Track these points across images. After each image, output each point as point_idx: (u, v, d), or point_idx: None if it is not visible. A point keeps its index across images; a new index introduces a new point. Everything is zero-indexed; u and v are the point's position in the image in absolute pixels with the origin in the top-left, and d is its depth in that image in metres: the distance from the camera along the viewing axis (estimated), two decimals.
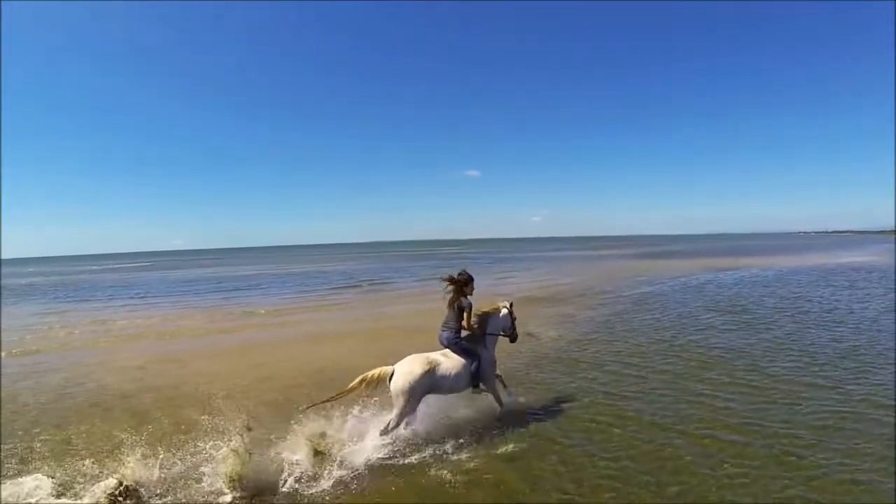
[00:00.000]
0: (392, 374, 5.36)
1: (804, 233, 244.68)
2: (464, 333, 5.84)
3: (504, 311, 6.07)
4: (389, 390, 5.34)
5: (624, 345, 9.61)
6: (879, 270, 23.82)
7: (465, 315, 5.72)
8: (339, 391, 5.43)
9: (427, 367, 5.38)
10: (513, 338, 6.18)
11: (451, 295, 5.78)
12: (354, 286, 24.79)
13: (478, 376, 5.69)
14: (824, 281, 19.56)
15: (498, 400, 6.00)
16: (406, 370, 5.34)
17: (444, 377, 5.47)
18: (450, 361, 5.61)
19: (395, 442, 5.18)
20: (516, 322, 6.21)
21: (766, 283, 19.69)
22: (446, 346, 5.80)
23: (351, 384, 5.37)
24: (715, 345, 9.32)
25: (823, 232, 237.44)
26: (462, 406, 6.00)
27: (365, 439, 5.16)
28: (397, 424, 5.28)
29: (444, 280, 5.82)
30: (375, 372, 5.39)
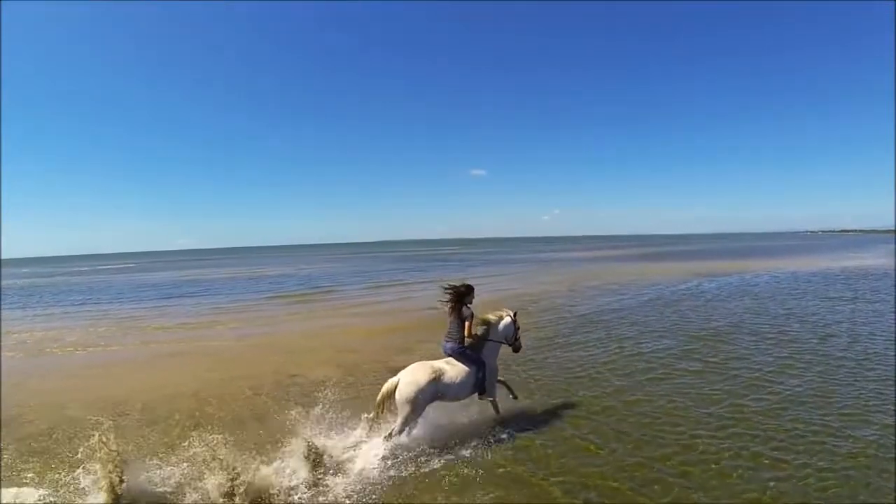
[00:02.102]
0: (397, 385, 5.39)
1: (811, 232, 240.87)
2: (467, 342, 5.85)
3: (507, 319, 6.04)
4: (395, 399, 5.39)
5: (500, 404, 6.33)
6: (887, 276, 21.58)
7: (467, 325, 5.69)
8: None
9: (432, 376, 5.41)
10: (516, 348, 6.17)
11: (450, 306, 5.79)
12: (300, 293, 23.27)
13: (483, 384, 5.74)
14: (825, 290, 17.24)
15: (495, 408, 6.02)
16: (410, 379, 5.36)
17: (448, 385, 5.50)
18: (454, 369, 5.62)
19: (395, 448, 5.16)
20: (520, 332, 6.22)
21: (756, 293, 17.25)
22: (450, 356, 5.79)
23: (375, 410, 5.52)
24: (640, 407, 6.38)
25: (831, 231, 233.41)
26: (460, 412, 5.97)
27: (365, 447, 5.21)
28: (400, 432, 5.31)
29: (446, 291, 5.83)
30: (383, 390, 5.46)
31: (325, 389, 6.05)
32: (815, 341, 9.81)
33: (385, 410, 5.50)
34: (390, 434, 5.31)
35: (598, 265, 36.55)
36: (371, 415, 5.54)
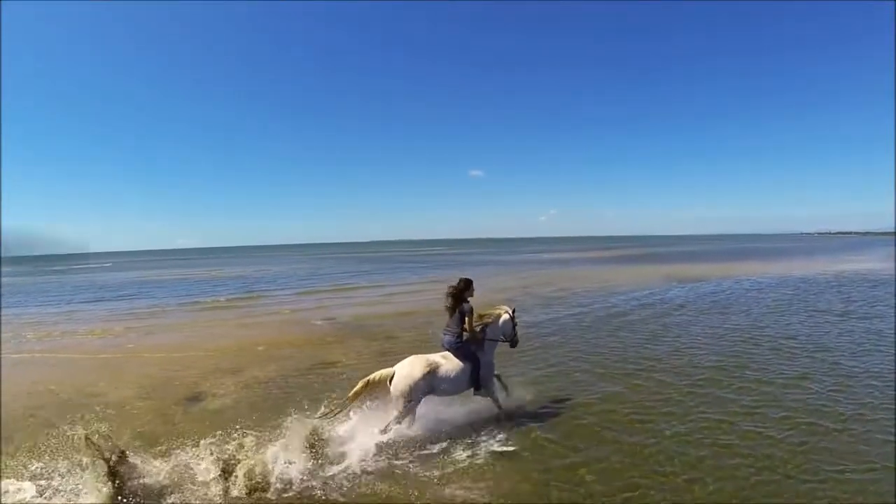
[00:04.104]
0: (392, 377, 5.37)
1: (807, 234, 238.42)
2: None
3: (505, 316, 6.01)
4: (390, 392, 5.36)
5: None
6: (883, 283, 18.82)
7: (466, 320, 5.66)
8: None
9: (427, 369, 5.39)
10: (513, 343, 6.13)
11: (449, 303, 5.74)
12: (227, 298, 21.16)
13: (478, 380, 5.68)
14: (813, 301, 14.49)
15: (496, 403, 5.93)
16: (406, 372, 5.35)
17: (443, 379, 5.48)
18: (449, 363, 5.59)
19: (389, 442, 5.07)
20: (517, 328, 6.15)
21: (728, 304, 14.46)
22: (447, 350, 5.75)
23: (355, 388, 5.39)
24: None
25: (827, 233, 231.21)
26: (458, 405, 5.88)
27: (360, 439, 5.11)
28: (397, 424, 5.31)
29: (447, 293, 5.79)
30: (376, 375, 5.41)
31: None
32: (782, 383, 6.98)
33: (368, 392, 5.44)
34: (386, 428, 5.25)
35: (571, 268, 33.74)
36: (351, 393, 5.40)
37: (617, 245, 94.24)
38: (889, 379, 7.17)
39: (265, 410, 6.29)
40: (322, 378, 7.92)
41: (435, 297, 19.18)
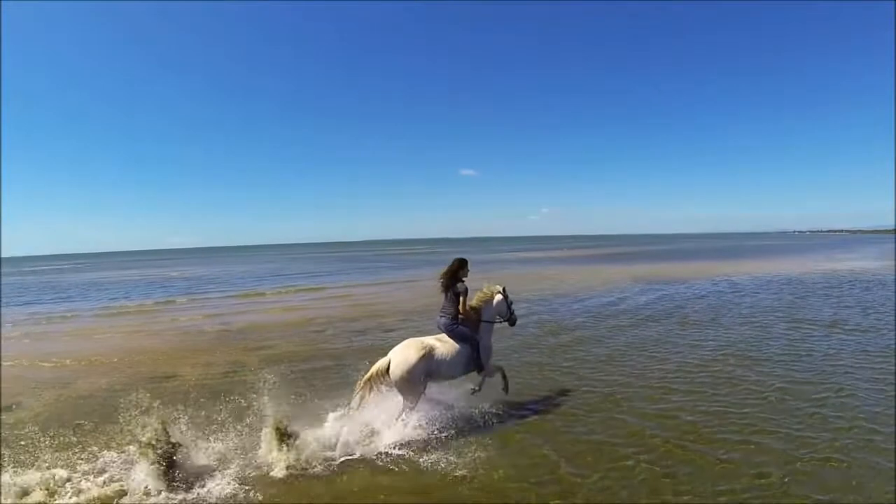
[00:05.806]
0: (389, 365, 5.18)
1: (799, 232, 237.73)
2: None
3: (498, 296, 5.85)
4: (390, 381, 5.17)
5: None
6: (878, 284, 16.64)
7: (461, 300, 5.50)
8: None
9: (422, 352, 5.21)
10: (511, 321, 5.95)
11: (442, 284, 5.58)
12: (155, 301, 19.86)
13: (479, 362, 5.53)
14: (798, 306, 12.38)
15: (505, 387, 5.84)
16: (401, 358, 5.18)
17: (440, 362, 5.30)
18: (445, 346, 5.42)
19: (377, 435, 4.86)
20: (512, 306, 5.95)
21: (691, 312, 12.11)
22: (443, 332, 5.57)
23: (360, 391, 5.22)
24: None
25: (818, 231, 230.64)
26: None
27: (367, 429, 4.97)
28: (411, 409, 5.17)
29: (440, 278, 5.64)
30: (373, 369, 5.25)
31: None
32: (733, 443, 4.64)
33: (374, 390, 5.20)
34: (401, 415, 5.12)
35: (539, 268, 31.42)
36: (357, 396, 5.21)
37: (605, 243, 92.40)
38: (890, 432, 4.89)
39: (59, 427, 5.63)
40: (145, 394, 6.52)
41: (363, 301, 17.27)
